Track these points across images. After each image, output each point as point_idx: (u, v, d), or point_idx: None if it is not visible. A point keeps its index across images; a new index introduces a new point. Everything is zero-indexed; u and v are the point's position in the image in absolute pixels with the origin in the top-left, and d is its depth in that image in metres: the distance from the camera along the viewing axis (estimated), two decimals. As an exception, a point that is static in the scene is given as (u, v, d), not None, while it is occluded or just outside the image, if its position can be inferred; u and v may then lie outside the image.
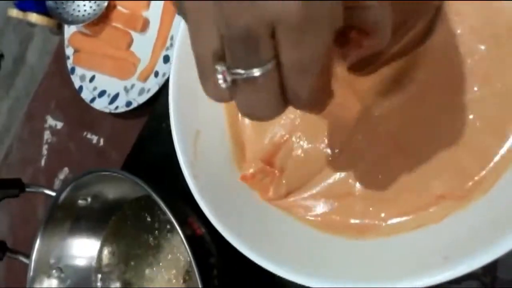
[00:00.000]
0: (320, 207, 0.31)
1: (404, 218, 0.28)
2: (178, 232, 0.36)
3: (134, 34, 0.58)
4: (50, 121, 0.68)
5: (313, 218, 0.31)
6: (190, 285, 0.43)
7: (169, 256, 0.45)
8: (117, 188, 0.45)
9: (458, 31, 0.27)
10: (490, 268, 0.36)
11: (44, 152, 0.68)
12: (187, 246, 0.35)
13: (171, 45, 0.52)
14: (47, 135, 0.68)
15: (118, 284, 0.48)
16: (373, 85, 0.30)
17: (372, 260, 0.27)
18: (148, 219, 0.47)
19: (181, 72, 0.35)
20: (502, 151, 0.26)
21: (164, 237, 0.46)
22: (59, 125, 0.67)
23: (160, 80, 0.52)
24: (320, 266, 0.27)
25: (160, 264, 0.46)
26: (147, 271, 0.47)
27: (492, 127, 0.26)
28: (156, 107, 0.53)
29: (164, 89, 0.51)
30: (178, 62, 0.35)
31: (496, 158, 0.26)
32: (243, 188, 0.33)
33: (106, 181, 0.43)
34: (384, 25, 0.21)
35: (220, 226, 0.29)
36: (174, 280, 0.44)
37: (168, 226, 0.46)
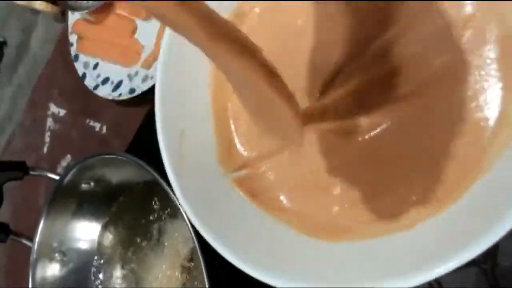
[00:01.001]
0: (297, 202, 0.31)
1: (377, 223, 0.28)
2: (180, 218, 0.36)
3: (138, 21, 0.57)
4: (53, 108, 0.68)
5: (288, 216, 0.31)
6: (192, 269, 0.43)
7: (171, 241, 0.46)
8: (121, 172, 0.45)
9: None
10: (490, 255, 0.37)
11: (47, 139, 0.68)
12: (191, 229, 0.36)
13: (176, 32, 0.52)
14: (49, 122, 0.68)
15: (120, 268, 0.49)
16: (360, 85, 0.30)
17: (342, 263, 0.27)
18: (151, 204, 0.47)
19: (168, 72, 0.34)
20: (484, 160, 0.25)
21: (166, 223, 0.46)
22: (62, 112, 0.67)
23: (164, 67, 0.52)
24: (288, 265, 0.27)
25: (162, 249, 0.46)
26: (149, 255, 0.47)
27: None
28: (159, 94, 0.53)
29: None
30: (164, 66, 0.34)
31: (473, 166, 0.25)
32: (226, 187, 0.34)
33: (109, 165, 0.43)
34: None
35: (200, 226, 0.30)
36: (176, 265, 0.45)
37: (171, 212, 0.46)
